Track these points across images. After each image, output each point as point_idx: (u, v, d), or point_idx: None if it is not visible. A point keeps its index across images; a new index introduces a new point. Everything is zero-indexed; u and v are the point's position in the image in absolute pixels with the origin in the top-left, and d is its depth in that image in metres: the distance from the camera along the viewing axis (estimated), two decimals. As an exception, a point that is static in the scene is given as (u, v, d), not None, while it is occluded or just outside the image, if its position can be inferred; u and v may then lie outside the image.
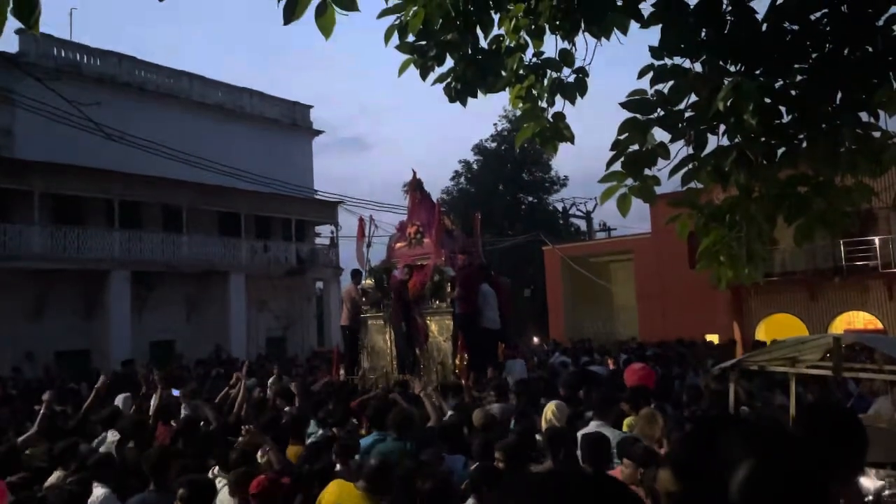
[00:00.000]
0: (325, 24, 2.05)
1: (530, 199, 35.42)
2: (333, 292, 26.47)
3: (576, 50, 3.11)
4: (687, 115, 2.93)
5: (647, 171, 2.99)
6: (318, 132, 28.91)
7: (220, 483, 4.55)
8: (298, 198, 24.61)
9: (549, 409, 6.03)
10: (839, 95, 2.88)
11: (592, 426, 5.36)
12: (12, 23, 2.25)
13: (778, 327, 19.32)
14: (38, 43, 19.28)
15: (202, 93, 24.53)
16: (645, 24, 2.96)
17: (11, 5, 2.28)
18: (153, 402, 7.38)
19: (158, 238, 21.20)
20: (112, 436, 6.28)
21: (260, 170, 20.99)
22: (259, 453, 5.21)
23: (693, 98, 2.93)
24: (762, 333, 19.63)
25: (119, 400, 8.29)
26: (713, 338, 19.04)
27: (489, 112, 62.89)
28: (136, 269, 20.27)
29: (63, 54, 20.77)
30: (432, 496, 3.81)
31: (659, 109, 2.92)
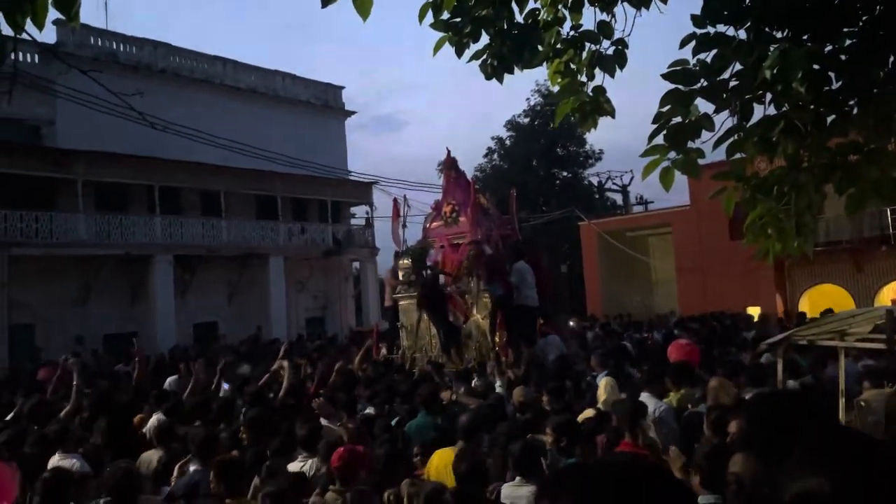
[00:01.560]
0: (362, 6, 2.04)
1: (565, 174, 35.04)
2: (370, 272, 26.71)
3: (615, 21, 3.05)
4: (732, 84, 2.85)
5: (690, 144, 2.93)
6: (351, 112, 28.97)
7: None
8: (333, 179, 24.76)
9: (604, 384, 6.04)
10: (891, 59, 2.77)
11: (643, 398, 5.37)
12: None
13: (822, 298, 18.90)
14: (75, 33, 19.62)
15: (235, 77, 24.75)
16: (686, -9, 2.88)
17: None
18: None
19: (199, 223, 21.58)
20: (158, 416, 6.46)
21: (294, 152, 21.15)
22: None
23: (738, 67, 2.84)
24: (806, 305, 19.24)
25: (168, 382, 8.51)
26: (755, 310, 18.71)
27: (522, 87, 62.15)
28: (178, 253, 20.69)
29: (100, 43, 21.14)
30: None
31: (702, 80, 2.84)
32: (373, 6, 2.03)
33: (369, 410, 6.45)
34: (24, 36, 2.37)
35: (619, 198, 34.57)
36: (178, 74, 22.85)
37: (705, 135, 2.93)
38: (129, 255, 19.69)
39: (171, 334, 19.63)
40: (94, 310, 19.73)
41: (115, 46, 21.59)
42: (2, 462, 4.42)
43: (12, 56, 2.35)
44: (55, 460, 5.06)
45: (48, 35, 20.35)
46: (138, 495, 4.14)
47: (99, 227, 19.13)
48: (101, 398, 6.63)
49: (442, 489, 3.49)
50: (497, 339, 9.31)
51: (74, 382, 6.69)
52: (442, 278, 10.19)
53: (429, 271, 10.26)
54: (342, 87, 28.72)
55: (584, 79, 3.19)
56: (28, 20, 2.29)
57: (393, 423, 5.82)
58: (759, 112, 2.89)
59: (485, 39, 3.44)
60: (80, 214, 18.66)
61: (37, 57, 18.40)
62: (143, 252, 19.89)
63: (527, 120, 34.29)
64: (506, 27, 3.39)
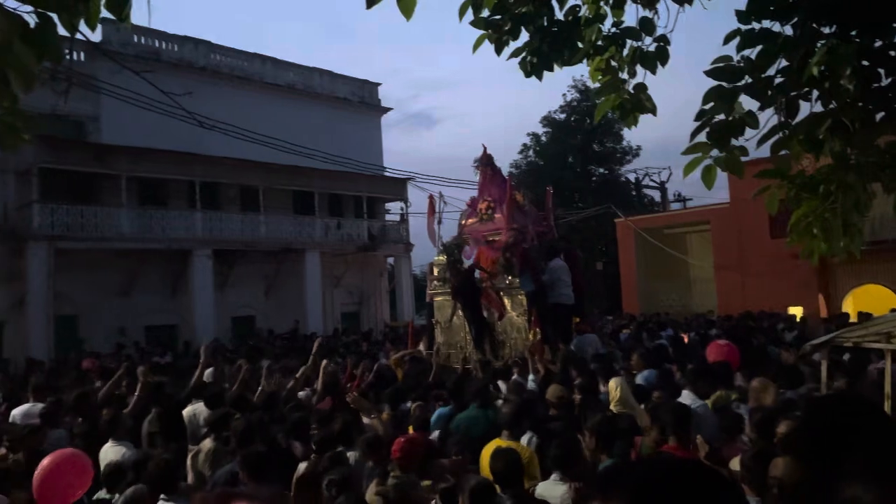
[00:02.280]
0: (406, 6, 2.05)
1: (601, 170, 34.68)
2: (404, 268, 26.85)
3: (657, 18, 3.01)
4: (777, 81, 2.80)
5: (733, 142, 2.89)
6: (387, 109, 29.11)
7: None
8: (369, 175, 24.93)
9: (614, 386, 5.98)
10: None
11: (685, 397, 5.32)
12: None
13: (867, 299, 18.40)
14: (119, 31, 20.08)
15: (274, 74, 25.05)
16: (731, -14, 2.84)
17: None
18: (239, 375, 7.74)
19: (237, 218, 21.93)
20: (196, 405, 6.60)
21: (331, 148, 21.36)
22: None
23: (783, 63, 2.79)
24: (850, 306, 18.74)
25: (206, 375, 8.68)
26: (797, 310, 18.32)
27: (558, 83, 61.64)
28: (217, 247, 21.04)
29: (143, 41, 21.60)
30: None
31: (746, 76, 2.80)
32: (416, 5, 2.06)
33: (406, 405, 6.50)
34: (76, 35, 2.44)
35: (656, 195, 34.13)
36: (218, 72, 23.23)
37: (748, 132, 2.89)
38: (170, 248, 20.10)
39: (210, 327, 20.01)
40: (135, 302, 20.22)
41: (157, 44, 22.04)
42: (79, 451, 4.57)
43: (67, 56, 2.43)
44: (107, 448, 5.23)
45: (94, 34, 20.84)
46: (178, 484, 4.25)
47: (141, 222, 19.57)
48: (154, 389, 6.80)
49: (490, 484, 3.51)
50: (531, 337, 9.29)
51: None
52: (478, 273, 10.19)
53: (464, 266, 10.26)
54: (378, 84, 28.87)
55: (625, 76, 3.16)
56: (81, 21, 2.37)
57: (433, 417, 5.89)
58: (805, 109, 2.84)
59: (524, 37, 3.44)
60: (123, 209, 19.12)
61: (83, 55, 18.86)
62: (183, 246, 20.28)
63: (563, 116, 34.02)
64: (546, 24, 3.38)
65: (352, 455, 4.73)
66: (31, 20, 2.06)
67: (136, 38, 21.30)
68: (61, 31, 2.23)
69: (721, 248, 22.04)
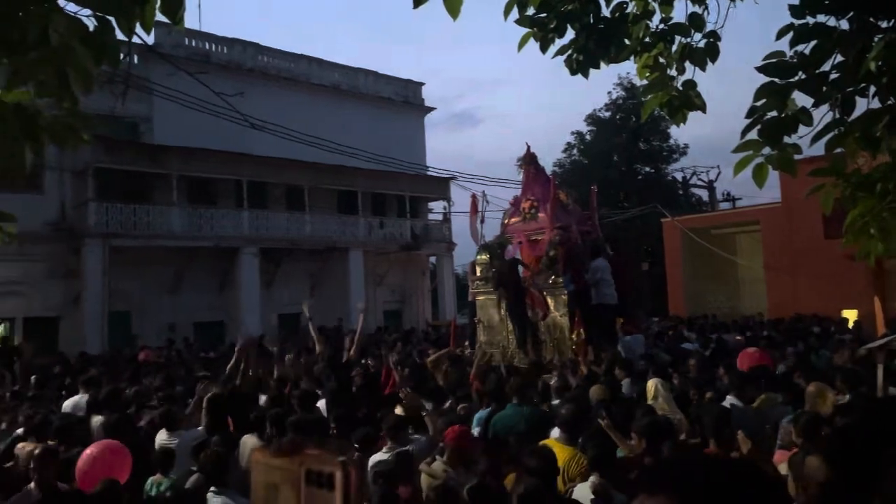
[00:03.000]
0: (452, 5, 2.06)
1: (647, 169, 34.13)
2: (447, 267, 26.91)
3: (707, 13, 2.95)
4: (832, 77, 2.72)
5: (786, 139, 2.81)
6: (430, 109, 29.21)
7: None
8: (412, 174, 25.06)
9: (654, 385, 5.89)
10: None
11: (728, 402, 5.22)
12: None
13: (927, 303, 17.69)
14: (171, 34, 20.61)
15: (320, 75, 25.38)
16: (784, -20, 2.76)
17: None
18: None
19: (283, 217, 22.31)
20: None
21: (375, 148, 21.54)
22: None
23: (839, 58, 2.71)
24: (908, 309, 18.05)
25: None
26: (851, 313, 17.71)
27: (603, 82, 60.93)
28: (263, 245, 21.45)
29: (194, 44, 22.13)
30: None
31: (800, 72, 2.72)
32: (462, 4, 2.06)
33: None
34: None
35: (704, 194, 33.42)
36: (266, 73, 23.64)
37: (802, 130, 2.82)
38: (219, 246, 20.55)
39: (257, 324, 20.39)
40: (185, 298, 20.74)
41: (207, 47, 22.55)
42: (117, 442, 4.75)
43: (124, 59, 2.51)
44: (161, 437, 5.42)
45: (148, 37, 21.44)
46: (230, 474, 4.37)
47: (191, 220, 20.06)
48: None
49: (541, 487, 3.50)
50: (575, 337, 9.20)
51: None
52: (521, 270, 10.14)
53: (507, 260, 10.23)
54: (422, 84, 28.99)
55: (673, 73, 3.11)
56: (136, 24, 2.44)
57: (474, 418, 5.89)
58: (861, 106, 2.75)
59: (570, 34, 3.41)
60: (175, 207, 19.63)
61: (137, 57, 19.42)
62: (231, 244, 20.72)
63: (608, 114, 33.61)
64: (592, 21, 3.35)
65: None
66: (90, 23, 2.14)
67: (187, 41, 21.84)
68: (118, 34, 2.31)
69: (772, 248, 21.46)
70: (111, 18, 2.09)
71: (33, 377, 9.17)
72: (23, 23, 1.94)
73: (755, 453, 4.02)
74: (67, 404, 7.25)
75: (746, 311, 21.54)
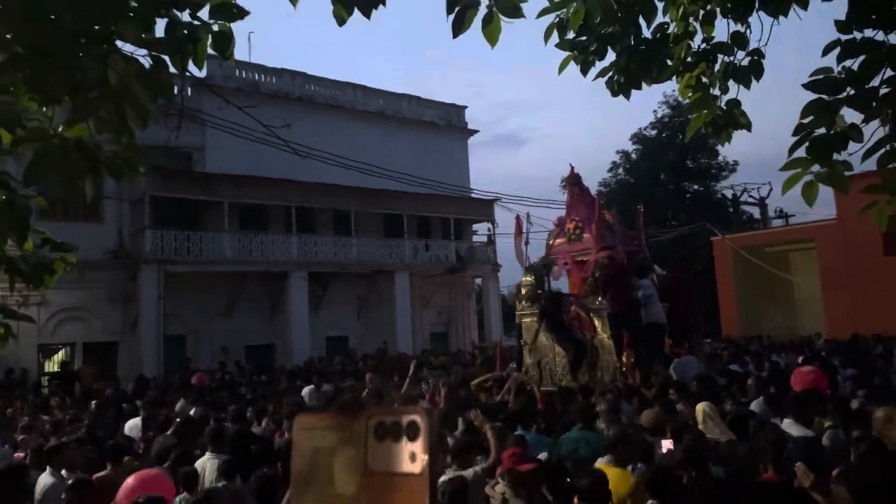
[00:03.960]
0: (491, 34, 2.10)
1: (696, 187, 33.54)
2: (492, 288, 26.85)
3: (750, 32, 2.93)
4: (882, 91, 2.65)
5: (836, 156, 2.75)
6: (473, 131, 29.39)
7: None
8: (456, 197, 25.19)
9: (702, 409, 5.73)
10: None
11: (786, 425, 5.04)
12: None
13: None
14: (222, 66, 21.32)
15: (364, 101, 25.85)
16: (829, -6, 2.72)
17: (211, 41, 2.57)
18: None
19: (331, 241, 22.65)
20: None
21: (419, 171, 21.76)
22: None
23: (889, 73, 2.64)
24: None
25: (305, 392, 8.97)
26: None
27: (648, 100, 60.42)
28: (311, 269, 21.79)
29: (244, 75, 22.83)
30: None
31: (849, 88, 2.67)
32: (500, 33, 2.10)
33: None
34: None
35: (755, 211, 32.62)
36: (313, 101, 24.20)
37: (852, 146, 2.75)
38: (269, 271, 20.97)
39: (306, 347, 20.69)
40: (237, 322, 21.17)
41: (257, 77, 23.23)
42: (158, 471, 4.87)
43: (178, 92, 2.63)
44: (204, 459, 5.52)
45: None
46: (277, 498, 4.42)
47: (242, 246, 20.53)
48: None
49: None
50: (625, 360, 9.04)
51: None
52: (567, 299, 10.06)
53: (549, 292, 10.13)
54: (465, 107, 29.23)
55: (716, 92, 3.08)
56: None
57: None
58: (915, 120, 2.67)
59: (611, 56, 3.41)
60: (226, 234, 20.15)
61: (190, 90, 20.12)
62: (280, 269, 21.12)
63: (654, 132, 33.24)
64: (633, 43, 3.34)
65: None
66: (146, 62, 2.26)
67: (237, 72, 22.54)
68: (172, 69, 2.42)
69: (828, 266, 20.77)
70: (166, 57, 2.19)
71: (93, 402, 9.48)
72: (84, 64, 2.06)
73: (817, 485, 3.82)
74: (129, 425, 7.47)
75: (803, 331, 20.84)
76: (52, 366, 18.59)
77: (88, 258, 16.36)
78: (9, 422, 8.11)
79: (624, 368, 9.06)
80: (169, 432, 6.44)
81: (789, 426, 5.23)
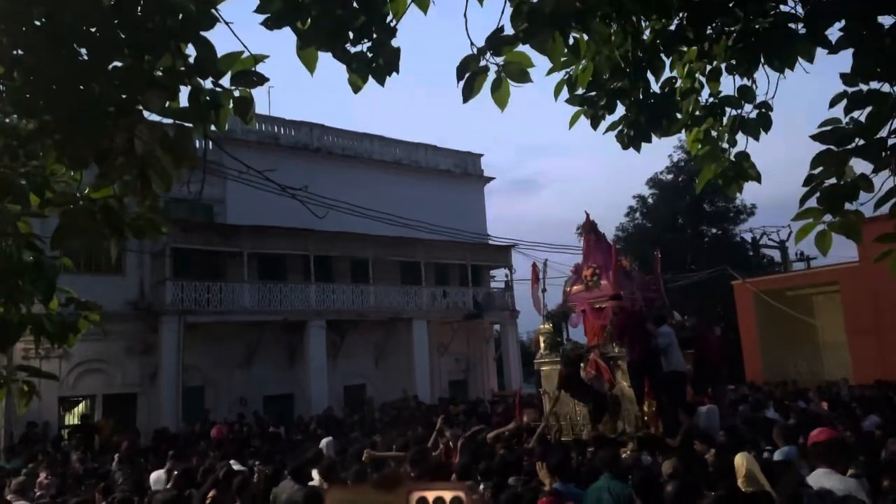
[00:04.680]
0: (500, 97, 2.17)
1: (714, 230, 33.39)
2: (510, 335, 26.68)
3: (756, 87, 2.98)
4: (891, 142, 2.68)
5: (847, 206, 2.77)
6: (489, 178, 29.66)
7: None
8: (473, 243, 25.29)
9: (744, 462, 5.59)
10: None
11: (819, 475, 4.88)
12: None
13: None
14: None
15: (381, 151, 26.28)
16: (834, 49, 2.78)
17: (232, 107, 2.67)
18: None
19: (349, 289, 22.75)
20: (315, 475, 6.77)
21: (436, 219, 21.93)
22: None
23: (897, 124, 2.67)
24: None
25: (323, 444, 8.90)
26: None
27: (663, 144, 60.73)
28: (329, 318, 21.84)
29: (264, 128, 23.36)
30: None
31: (857, 139, 2.70)
32: (510, 97, 2.17)
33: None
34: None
35: (776, 254, 32.35)
36: (331, 152, 24.64)
37: (864, 195, 2.76)
38: (287, 320, 21.04)
39: (324, 396, 20.59)
40: (255, 373, 21.16)
41: (276, 130, 23.76)
42: None
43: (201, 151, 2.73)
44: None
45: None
46: None
47: (261, 295, 20.68)
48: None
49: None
50: (647, 409, 8.90)
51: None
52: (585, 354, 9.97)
53: (568, 347, 10.00)
54: (481, 155, 29.59)
55: (725, 145, 3.12)
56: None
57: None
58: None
59: (620, 110, 3.48)
60: (246, 283, 20.33)
61: (210, 144, 20.57)
62: (299, 318, 21.19)
63: (670, 176, 33.32)
64: (642, 97, 3.41)
65: None
66: (170, 127, 2.35)
67: (258, 125, 23.07)
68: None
69: (853, 310, 20.41)
70: (189, 124, 2.29)
71: (116, 455, 9.46)
72: (111, 133, 2.15)
73: None
74: (153, 478, 7.46)
75: (830, 376, 20.38)
76: (73, 418, 18.64)
77: (109, 310, 16.48)
78: (30, 478, 8.11)
79: (646, 418, 8.91)
80: (169, 485, 6.43)
81: (825, 476, 5.04)
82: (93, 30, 2.15)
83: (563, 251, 40.18)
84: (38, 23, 2.14)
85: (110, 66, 2.18)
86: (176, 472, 6.95)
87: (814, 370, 22.29)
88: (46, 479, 8.39)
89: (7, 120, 2.69)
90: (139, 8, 2.14)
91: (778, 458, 6.38)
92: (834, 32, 2.72)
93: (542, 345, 10.98)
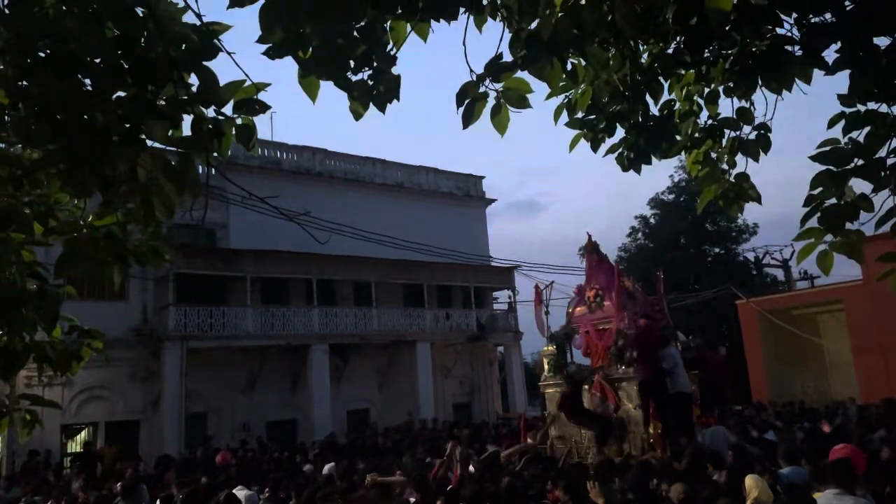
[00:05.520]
0: (500, 123, 2.19)
1: (716, 250, 33.34)
2: (514, 356, 26.54)
3: (755, 108, 3.00)
4: (890, 161, 2.69)
5: (848, 226, 2.77)
6: (491, 200, 29.74)
7: None
8: (475, 265, 25.29)
9: (753, 484, 5.54)
10: None
11: (828, 496, 4.82)
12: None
13: None
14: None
15: (384, 175, 26.40)
16: (831, 70, 2.80)
17: (235, 135, 2.70)
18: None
19: (351, 312, 22.70)
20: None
21: (438, 241, 21.95)
22: None
23: (895, 143, 2.69)
24: None
25: (326, 469, 8.84)
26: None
27: (665, 164, 61.00)
28: (332, 341, 21.77)
29: (266, 153, 23.50)
30: None
31: (856, 159, 2.71)
32: (509, 122, 2.19)
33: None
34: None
35: (779, 273, 32.23)
36: (333, 176, 24.76)
37: (865, 215, 2.77)
38: (290, 344, 20.97)
39: (327, 421, 20.44)
40: (258, 398, 21.05)
41: (279, 154, 23.90)
42: None
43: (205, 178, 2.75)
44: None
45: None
46: None
47: (264, 320, 20.63)
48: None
49: None
50: (652, 430, 8.82)
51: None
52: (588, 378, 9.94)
53: (571, 375, 9.96)
54: (482, 177, 29.69)
55: (725, 166, 3.14)
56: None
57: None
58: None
59: (620, 132, 3.50)
60: (249, 308, 20.30)
61: (213, 170, 20.66)
62: (302, 342, 21.12)
63: (672, 196, 33.38)
64: (641, 120, 3.44)
65: None
66: (173, 156, 2.37)
67: (260, 151, 23.20)
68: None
69: (857, 328, 20.30)
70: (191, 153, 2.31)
71: (118, 484, 9.37)
72: (115, 162, 2.17)
73: None
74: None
75: (836, 396, 20.21)
76: (76, 446, 18.52)
77: (112, 336, 16.50)
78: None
79: (651, 440, 8.83)
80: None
81: (835, 498, 4.98)
82: (97, 60, 2.18)
83: (565, 272, 40.16)
84: (42, 54, 2.17)
85: (114, 96, 2.21)
86: (181, 496, 6.90)
87: (820, 389, 22.12)
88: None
89: (11, 149, 2.71)
90: (142, 38, 2.17)
91: (782, 478, 6.33)
92: (830, 54, 2.75)
93: (545, 367, 10.95)
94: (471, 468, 8.35)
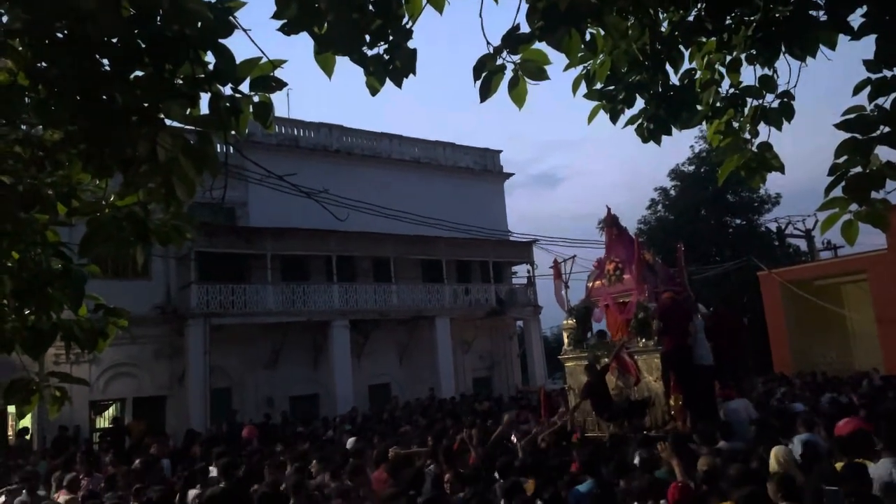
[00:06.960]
0: (518, 95, 2.16)
1: (738, 221, 32.93)
2: (534, 331, 26.59)
3: (778, 76, 2.94)
4: (918, 128, 2.63)
5: (874, 194, 2.72)
6: (509, 174, 29.58)
7: None
8: (494, 240, 25.25)
9: (776, 454, 5.54)
10: None
11: (884, 465, 4.80)
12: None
13: None
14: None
15: (401, 150, 26.33)
16: (856, 35, 2.73)
17: (252, 112, 2.70)
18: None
19: (371, 288, 22.84)
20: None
21: (456, 216, 21.93)
22: None
23: (923, 109, 2.62)
24: None
25: (349, 443, 8.96)
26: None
27: (685, 135, 60.01)
28: (353, 318, 21.95)
29: (283, 130, 23.52)
30: None
31: (882, 126, 2.65)
32: (527, 94, 2.16)
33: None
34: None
35: (802, 244, 31.82)
36: (350, 153, 24.75)
37: (891, 183, 2.72)
38: (311, 321, 21.18)
39: (349, 396, 20.70)
40: (281, 373, 21.36)
41: (296, 132, 23.92)
42: None
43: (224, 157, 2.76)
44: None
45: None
46: None
47: (285, 297, 20.83)
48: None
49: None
50: (673, 402, 8.82)
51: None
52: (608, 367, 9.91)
53: (591, 365, 9.85)
54: (500, 151, 29.50)
55: (747, 135, 3.08)
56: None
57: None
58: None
59: (639, 104, 3.45)
60: (269, 285, 20.50)
61: (231, 148, 20.77)
62: (322, 318, 21.31)
63: (692, 167, 32.93)
64: (661, 90, 3.38)
65: None
66: (192, 135, 2.38)
67: (278, 128, 23.24)
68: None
69: (882, 298, 20.03)
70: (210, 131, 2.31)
71: (137, 460, 9.51)
72: (135, 142, 2.18)
73: None
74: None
75: (860, 366, 20.04)
76: (104, 422, 18.96)
77: (137, 314, 16.77)
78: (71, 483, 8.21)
79: (672, 412, 8.83)
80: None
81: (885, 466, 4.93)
82: (114, 40, 2.18)
83: (584, 246, 39.88)
84: (60, 35, 2.18)
85: (132, 76, 2.21)
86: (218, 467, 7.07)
87: (844, 360, 21.94)
88: (82, 478, 8.51)
89: (33, 131, 2.74)
90: (158, 18, 2.17)
91: (797, 444, 6.35)
92: (856, 18, 2.68)
93: (566, 341, 10.96)
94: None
